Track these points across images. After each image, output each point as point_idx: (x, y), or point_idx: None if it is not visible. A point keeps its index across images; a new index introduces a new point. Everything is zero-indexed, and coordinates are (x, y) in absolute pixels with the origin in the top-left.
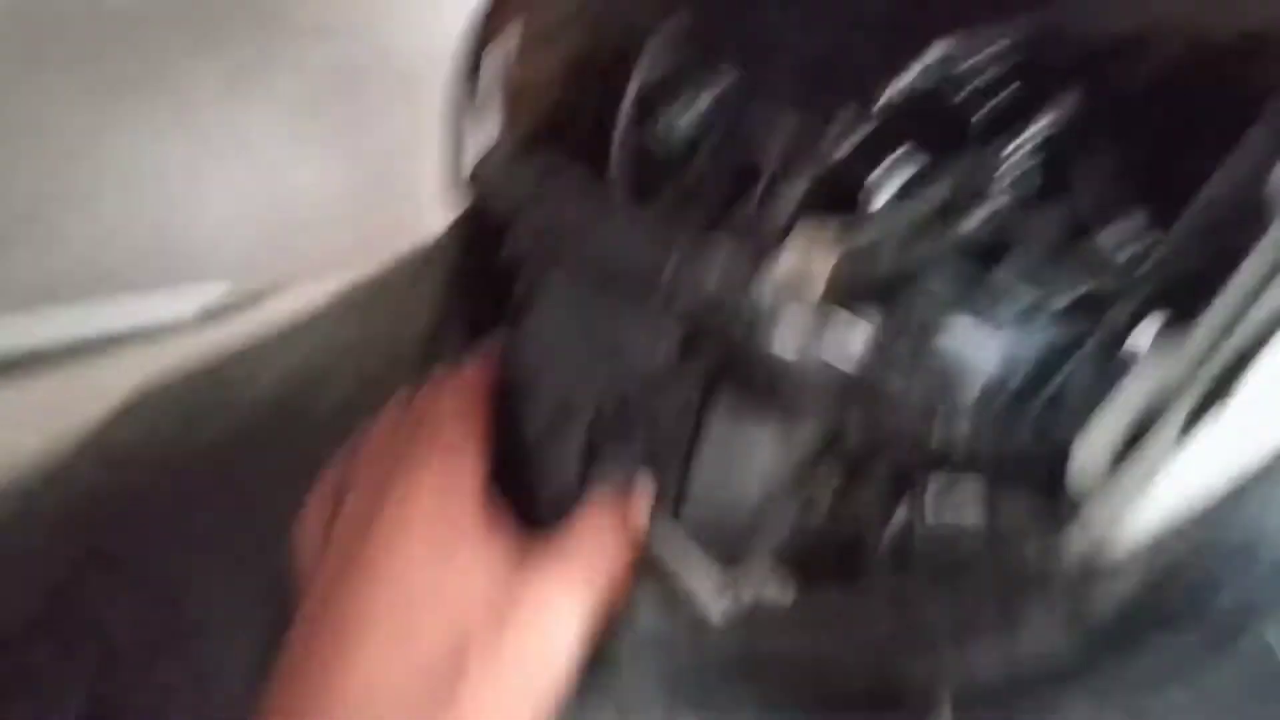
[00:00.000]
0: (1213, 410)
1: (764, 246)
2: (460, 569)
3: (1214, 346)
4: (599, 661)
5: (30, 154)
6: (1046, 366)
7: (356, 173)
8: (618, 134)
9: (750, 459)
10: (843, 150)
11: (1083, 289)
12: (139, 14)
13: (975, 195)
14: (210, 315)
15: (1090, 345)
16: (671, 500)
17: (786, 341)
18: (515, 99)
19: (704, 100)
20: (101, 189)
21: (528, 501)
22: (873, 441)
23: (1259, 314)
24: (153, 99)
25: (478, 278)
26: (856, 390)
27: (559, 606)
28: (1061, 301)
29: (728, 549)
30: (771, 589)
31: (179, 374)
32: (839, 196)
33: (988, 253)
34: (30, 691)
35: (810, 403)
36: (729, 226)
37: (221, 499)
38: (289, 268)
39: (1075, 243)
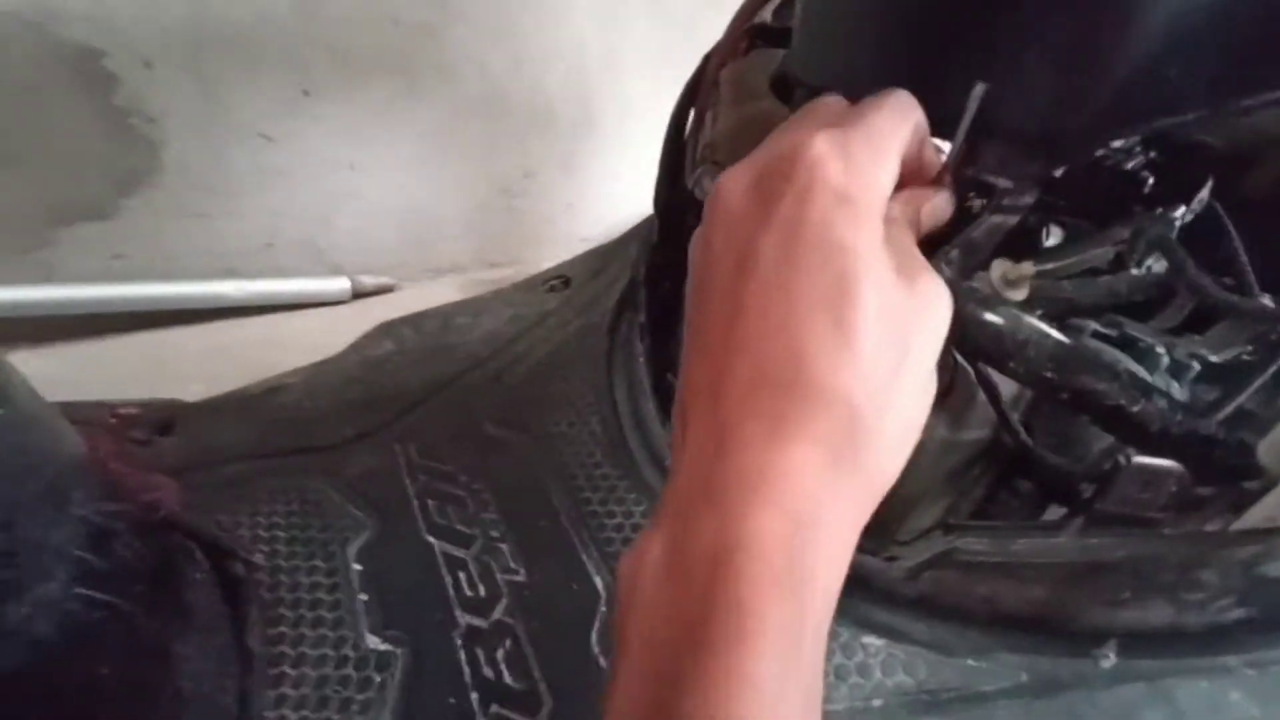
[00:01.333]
0: None
1: (975, 262)
2: (877, 256)
3: None
4: None
5: (237, 139)
6: (1225, 386)
7: (482, 193)
8: None
9: (916, 452)
10: (1032, 201)
11: (1222, 356)
12: (332, 40)
13: (1126, 257)
14: (356, 297)
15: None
16: None
17: (1010, 315)
18: (734, 136)
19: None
20: (281, 174)
21: None
22: (1077, 403)
23: None
24: (330, 107)
25: (674, 262)
26: (1072, 356)
27: (944, 296)
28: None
29: (878, 524)
30: (951, 544)
31: (419, 314)
32: (1015, 239)
33: (1141, 307)
34: None
35: (1029, 361)
36: (951, 246)
37: (440, 414)
38: (409, 267)
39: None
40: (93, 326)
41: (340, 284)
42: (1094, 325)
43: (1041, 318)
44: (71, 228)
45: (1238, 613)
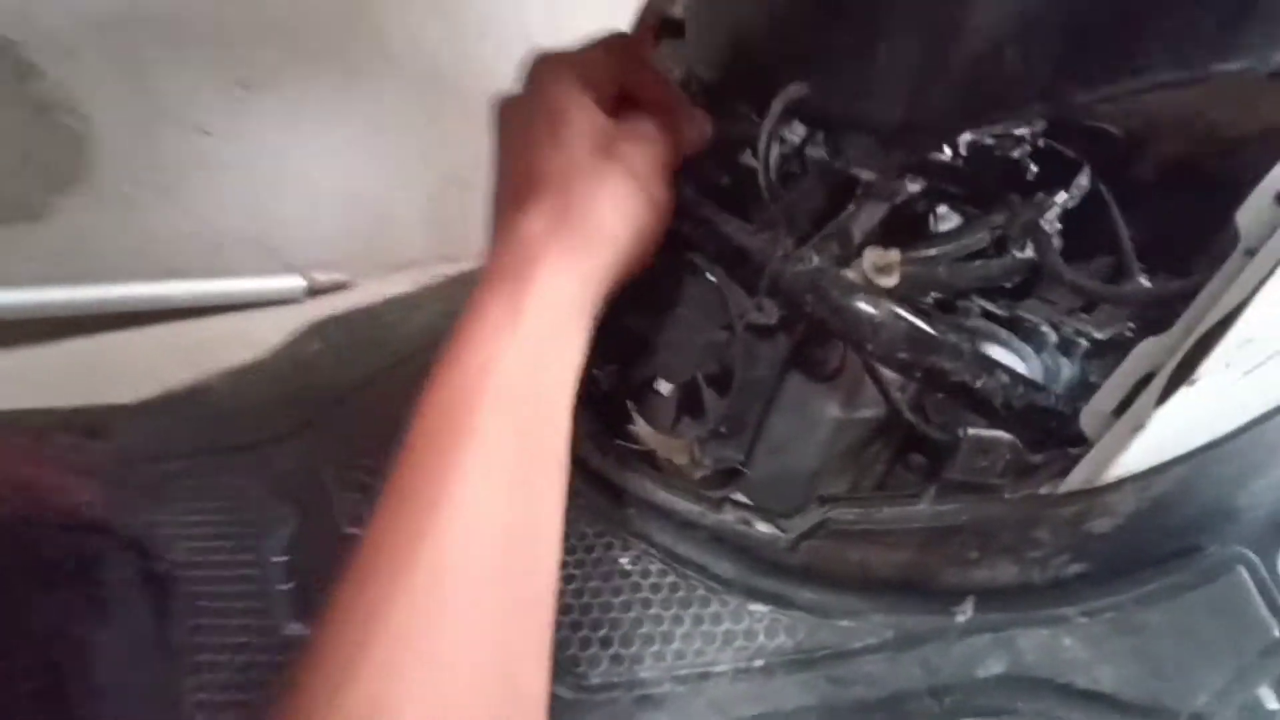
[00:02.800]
0: (1181, 385)
1: (850, 250)
2: (593, 114)
3: (1183, 340)
4: (688, 563)
5: (172, 133)
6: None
7: (433, 182)
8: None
9: (812, 432)
10: (909, 192)
11: (1107, 333)
12: (268, 21)
13: (1007, 242)
14: (312, 295)
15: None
16: (744, 454)
17: (869, 301)
18: None
19: (805, 147)
20: (223, 169)
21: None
22: (929, 381)
23: (1212, 319)
24: (269, 97)
25: None
26: (921, 338)
27: (645, 163)
28: (1086, 341)
29: (784, 502)
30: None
31: (349, 311)
32: (904, 225)
33: (1018, 290)
34: None
35: (883, 343)
36: (822, 236)
37: (365, 409)
38: (363, 263)
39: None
40: (32, 331)
41: (294, 282)
42: (984, 304)
43: (934, 302)
44: (0, 228)
45: (1075, 568)
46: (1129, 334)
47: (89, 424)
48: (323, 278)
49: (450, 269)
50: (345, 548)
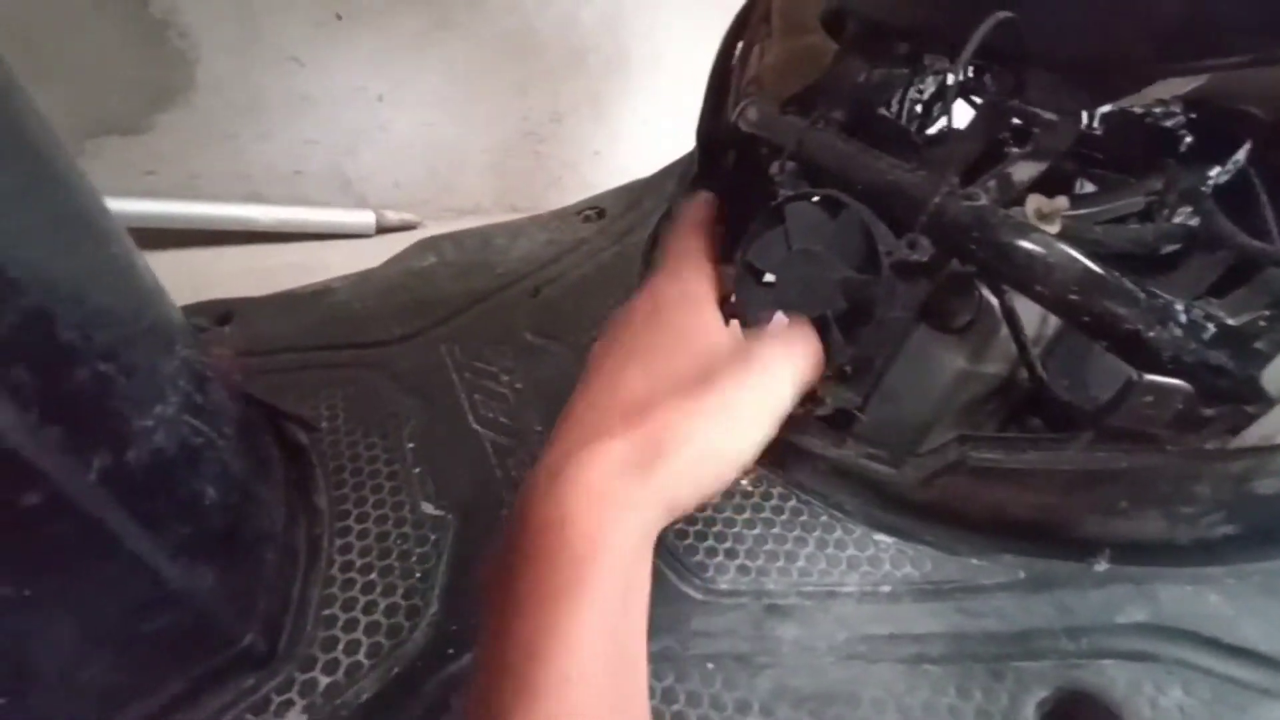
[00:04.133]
0: None
1: (1010, 195)
2: (706, 322)
3: None
4: (811, 491)
5: (269, 60)
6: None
7: (508, 134)
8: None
9: (933, 382)
10: (1068, 145)
11: (1239, 320)
12: None
13: (1154, 211)
14: (380, 232)
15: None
16: (862, 397)
17: (1040, 241)
18: (782, 69)
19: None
20: (310, 100)
21: None
22: (1096, 327)
23: None
24: (361, 34)
25: (717, 191)
26: (1096, 280)
27: (780, 368)
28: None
29: (897, 445)
30: (964, 453)
31: (460, 232)
32: (1052, 187)
33: (1149, 266)
34: None
35: (1055, 283)
36: (985, 178)
37: (482, 321)
38: (432, 206)
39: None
40: None
41: (365, 217)
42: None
43: None
44: (104, 140)
45: (1225, 529)
46: (1263, 323)
47: (219, 311)
48: (393, 216)
49: (514, 218)
50: (472, 443)
